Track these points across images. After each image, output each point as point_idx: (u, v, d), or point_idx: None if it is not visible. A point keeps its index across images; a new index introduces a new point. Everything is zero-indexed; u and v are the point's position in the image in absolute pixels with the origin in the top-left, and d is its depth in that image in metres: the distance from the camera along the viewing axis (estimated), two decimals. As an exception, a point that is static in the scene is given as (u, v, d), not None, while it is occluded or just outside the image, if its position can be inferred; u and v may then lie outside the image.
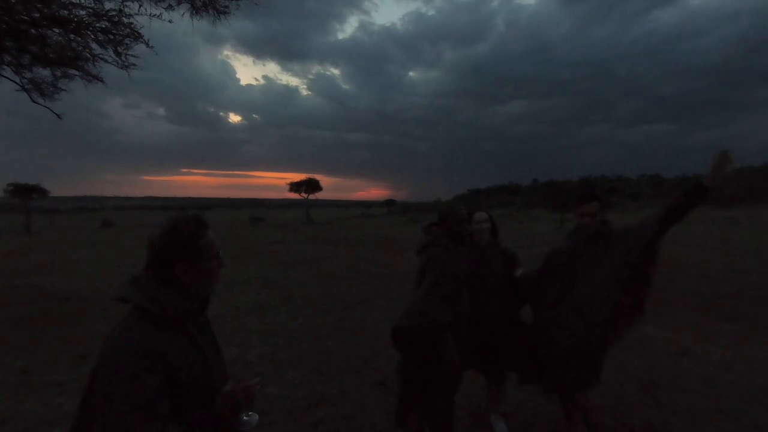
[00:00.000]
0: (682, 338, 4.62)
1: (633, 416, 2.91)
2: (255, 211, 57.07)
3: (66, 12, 5.20)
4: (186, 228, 1.12)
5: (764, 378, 3.54)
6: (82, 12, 5.25)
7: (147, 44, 5.59)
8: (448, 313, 2.03)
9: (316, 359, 4.07)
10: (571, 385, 2.25)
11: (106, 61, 5.74)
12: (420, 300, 2.05)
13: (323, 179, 42.58)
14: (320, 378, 3.62)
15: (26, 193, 28.56)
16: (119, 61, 5.71)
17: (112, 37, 5.50)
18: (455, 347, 2.06)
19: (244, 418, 1.16)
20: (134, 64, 5.77)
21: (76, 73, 6.18)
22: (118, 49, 5.61)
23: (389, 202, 64.41)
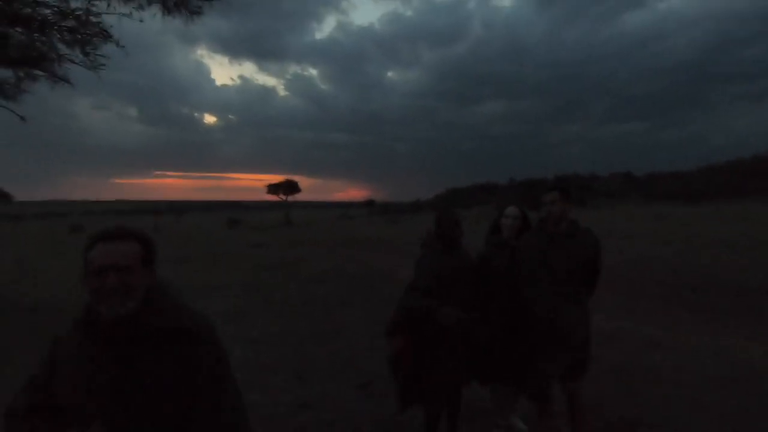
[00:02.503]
0: (652, 330, 4.79)
1: (609, 408, 2.99)
2: (232, 213, 56.08)
3: (29, 10, 5.00)
4: (87, 238, 1.08)
5: (729, 366, 3.70)
6: (47, 10, 5.07)
7: (117, 44, 5.43)
8: (418, 300, 2.24)
9: (297, 363, 4.03)
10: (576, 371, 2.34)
11: (73, 61, 5.55)
12: (400, 299, 2.35)
13: (302, 180, 42.22)
14: (302, 382, 3.59)
15: (-12, 198, 27.27)
16: (87, 62, 5.52)
17: (79, 36, 5.32)
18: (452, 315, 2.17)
19: None
20: (103, 65, 5.60)
21: (41, 73, 5.95)
22: (86, 49, 5.43)
23: (369, 203, 64.34)
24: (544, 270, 2.31)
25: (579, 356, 2.33)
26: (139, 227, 1.15)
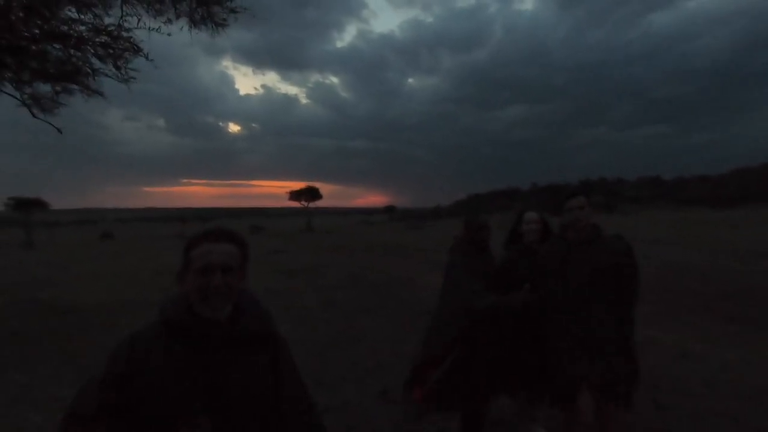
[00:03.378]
0: (683, 340, 4.62)
1: (635, 419, 2.90)
2: (255, 220, 57.08)
3: (66, 27, 5.27)
4: (191, 236, 1.10)
5: (765, 379, 3.53)
6: (82, 27, 5.32)
7: (146, 57, 5.66)
8: (485, 299, 2.24)
9: (318, 370, 4.06)
10: (626, 380, 2.20)
11: (106, 75, 5.80)
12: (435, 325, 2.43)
13: (323, 187, 42.65)
14: (323, 389, 3.61)
15: (27, 206, 28.59)
16: (119, 75, 5.77)
17: (111, 51, 5.57)
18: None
19: None
20: (134, 78, 5.84)
21: (76, 87, 6.23)
22: (118, 63, 5.67)
23: (389, 209, 64.42)
24: (564, 277, 2.26)
25: (612, 367, 2.16)
26: (236, 230, 1.17)
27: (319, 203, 42.08)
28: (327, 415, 3.12)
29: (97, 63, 5.74)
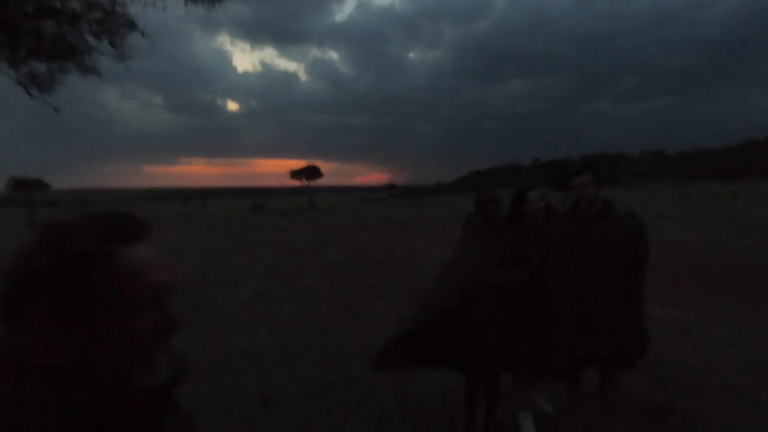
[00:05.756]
0: (684, 316, 4.67)
1: (636, 394, 2.96)
2: (256, 198, 57.10)
3: (58, 3, 5.13)
4: (79, 240, 0.54)
5: (764, 353, 3.57)
6: (76, 2, 5.19)
7: (142, 33, 5.54)
8: (496, 273, 2.28)
9: (324, 347, 4.13)
10: (629, 354, 2.25)
11: (101, 52, 5.69)
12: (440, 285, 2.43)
13: (323, 165, 42.56)
14: (329, 365, 3.68)
15: (28, 187, 28.62)
16: (115, 52, 5.66)
17: (106, 27, 5.44)
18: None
19: None
20: (130, 55, 5.72)
21: (72, 65, 6.12)
22: (113, 39, 5.55)
23: (390, 187, 64.32)
24: (576, 256, 2.24)
25: (623, 344, 2.20)
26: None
27: (320, 181, 42.04)
28: (334, 390, 3.20)
29: (92, 40, 5.62)
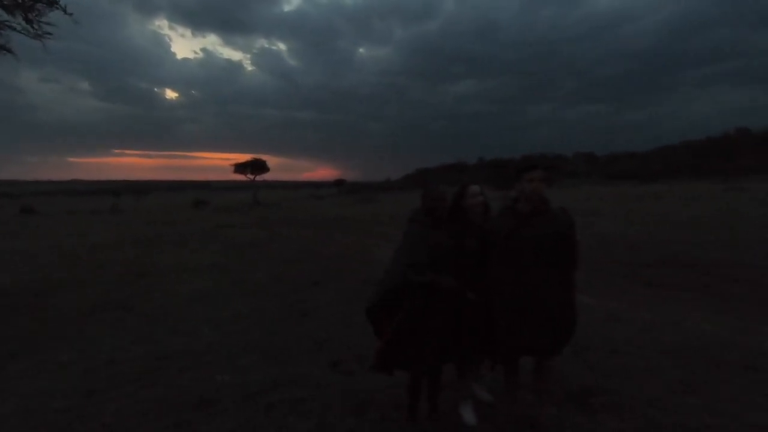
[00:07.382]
0: (610, 304, 5.05)
1: (569, 379, 3.15)
2: (199, 193, 54.34)
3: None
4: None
5: (683, 337, 3.96)
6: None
7: (64, 11, 5.03)
8: (422, 274, 2.29)
9: (268, 344, 4.01)
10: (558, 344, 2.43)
11: (14, 29, 5.10)
12: (386, 276, 2.41)
13: (270, 159, 41.21)
14: (273, 362, 3.58)
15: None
16: (31, 30, 5.09)
17: (20, 1, 4.89)
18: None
19: None
20: (49, 33, 5.18)
21: (-21, 42, 5.45)
22: (29, 15, 5.00)
23: (339, 183, 63.83)
24: (515, 249, 2.35)
25: (559, 333, 2.39)
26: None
27: (266, 176, 40.77)
28: (278, 388, 3.11)
29: (3, 15, 5.03)
